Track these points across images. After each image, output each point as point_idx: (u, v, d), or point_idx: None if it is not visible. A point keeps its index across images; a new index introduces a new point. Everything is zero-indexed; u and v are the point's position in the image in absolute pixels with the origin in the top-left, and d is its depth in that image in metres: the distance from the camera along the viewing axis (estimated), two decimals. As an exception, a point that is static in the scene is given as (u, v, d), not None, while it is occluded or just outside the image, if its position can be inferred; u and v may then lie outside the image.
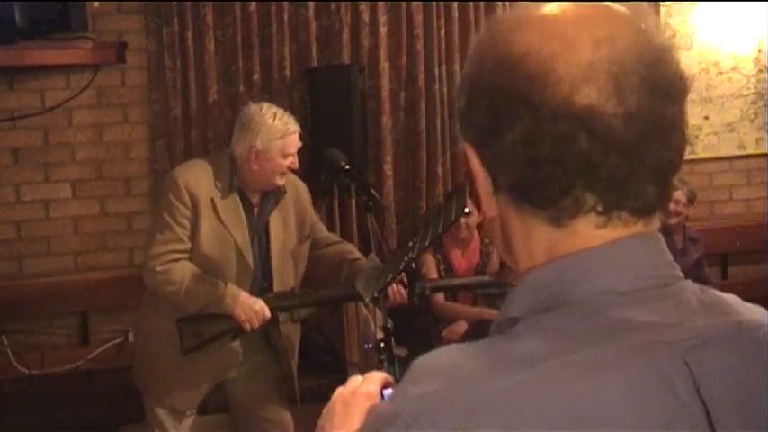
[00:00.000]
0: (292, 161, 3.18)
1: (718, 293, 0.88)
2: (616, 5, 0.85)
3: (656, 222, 0.89)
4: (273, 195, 3.26)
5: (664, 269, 0.85)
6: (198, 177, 3.15)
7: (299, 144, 3.23)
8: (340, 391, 1.13)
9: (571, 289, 0.82)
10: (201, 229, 3.13)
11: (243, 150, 3.14)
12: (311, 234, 3.41)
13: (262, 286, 3.27)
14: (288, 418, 3.49)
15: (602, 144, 0.79)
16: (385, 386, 1.14)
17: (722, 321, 0.82)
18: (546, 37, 0.80)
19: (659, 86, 0.81)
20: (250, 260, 3.22)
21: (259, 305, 3.18)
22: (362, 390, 1.10)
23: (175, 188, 3.12)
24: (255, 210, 3.25)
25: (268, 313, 3.20)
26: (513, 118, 0.80)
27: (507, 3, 4.92)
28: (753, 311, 0.87)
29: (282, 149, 3.13)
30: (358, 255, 3.48)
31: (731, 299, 0.88)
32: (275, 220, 3.27)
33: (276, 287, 3.28)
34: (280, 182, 3.19)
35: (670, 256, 0.87)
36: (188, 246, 3.13)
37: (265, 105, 3.22)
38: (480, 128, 0.84)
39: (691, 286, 0.86)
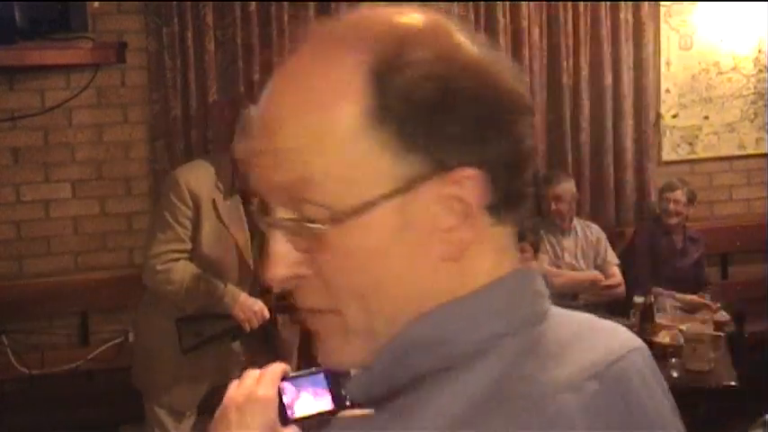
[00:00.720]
0: None
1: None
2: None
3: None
4: None
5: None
6: (199, 178, 3.16)
7: None
8: (233, 394, 1.10)
9: None
10: (203, 229, 3.14)
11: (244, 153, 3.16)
12: None
13: (262, 287, 3.28)
14: None
15: None
16: (283, 378, 1.13)
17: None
18: None
19: None
20: (251, 261, 3.22)
21: (258, 306, 3.19)
22: (259, 394, 1.08)
23: (177, 188, 3.12)
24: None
25: (267, 314, 3.20)
26: None
27: (507, 3, 4.93)
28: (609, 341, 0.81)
29: None
30: None
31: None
32: None
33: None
34: None
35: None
36: (189, 246, 3.14)
37: None
38: None
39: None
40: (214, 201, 3.16)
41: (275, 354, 3.43)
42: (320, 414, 1.13)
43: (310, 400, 1.13)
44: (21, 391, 4.34)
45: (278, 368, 1.13)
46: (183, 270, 3.12)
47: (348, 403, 1.11)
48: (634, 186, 5.25)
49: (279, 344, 3.42)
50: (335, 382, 1.13)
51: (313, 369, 1.15)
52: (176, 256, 3.12)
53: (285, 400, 1.12)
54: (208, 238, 3.16)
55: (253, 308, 3.18)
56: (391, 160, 0.73)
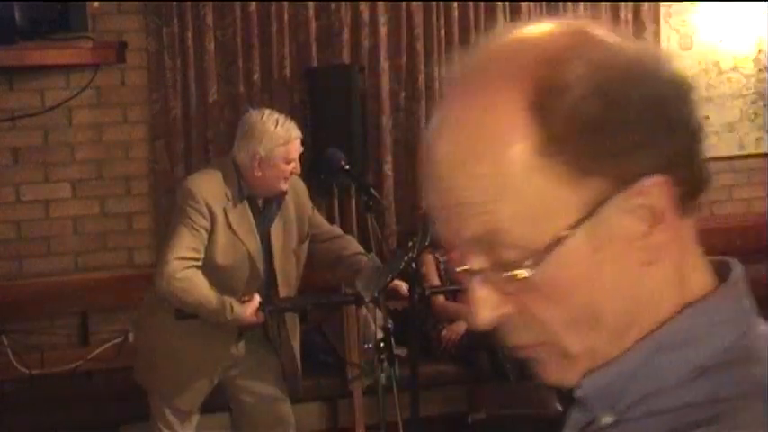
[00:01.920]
0: (295, 166, 3.20)
1: None
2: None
3: None
4: (276, 197, 3.28)
5: None
6: (212, 189, 3.16)
7: (301, 149, 3.25)
8: None
9: None
10: (218, 240, 3.16)
11: (246, 158, 3.16)
12: (311, 229, 3.42)
13: (267, 288, 3.29)
14: (290, 414, 3.50)
15: None
16: None
17: None
18: None
19: None
20: (261, 267, 3.23)
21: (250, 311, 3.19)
22: None
23: (193, 199, 3.12)
24: (262, 214, 3.27)
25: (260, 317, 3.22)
26: None
27: (507, 3, 4.93)
28: None
29: (285, 156, 3.16)
30: (356, 248, 3.49)
31: None
32: (277, 222, 3.29)
33: (281, 288, 3.30)
34: (284, 187, 3.22)
35: None
36: (202, 255, 3.15)
37: (267, 112, 3.24)
38: None
39: None
40: (225, 210, 3.17)
41: (276, 350, 3.45)
42: None
43: None
44: (21, 391, 4.34)
45: None
46: (202, 283, 3.12)
47: None
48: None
49: (279, 341, 3.43)
50: None
51: None
52: (194, 263, 3.13)
53: None
54: (222, 249, 3.17)
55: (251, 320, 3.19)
56: (570, 189, 0.71)
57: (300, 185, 3.44)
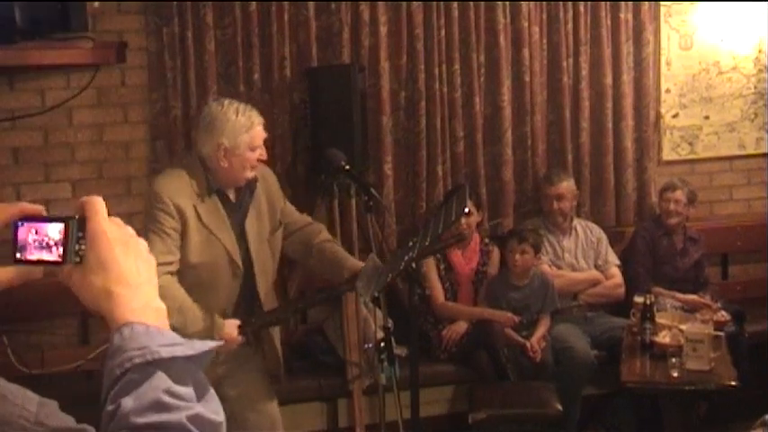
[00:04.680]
0: (261, 153, 3.21)
1: None
2: None
3: None
4: (248, 188, 3.27)
5: None
6: (178, 188, 3.14)
7: (265, 135, 3.25)
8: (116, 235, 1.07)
9: None
10: (191, 239, 3.13)
11: (211, 150, 3.15)
12: (282, 219, 3.42)
13: (246, 281, 3.28)
14: (277, 414, 3.48)
15: None
16: (23, 218, 1.10)
17: None
18: None
19: None
20: (239, 260, 3.22)
21: (233, 335, 3.17)
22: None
23: (160, 201, 3.10)
24: (235, 207, 3.26)
25: (239, 339, 3.20)
26: None
27: (507, 3, 4.93)
28: None
29: (250, 143, 3.16)
30: (326, 236, 3.50)
31: None
32: (251, 214, 3.28)
33: (258, 278, 3.29)
34: (250, 175, 3.21)
35: None
36: (177, 257, 3.13)
37: (226, 102, 3.24)
38: None
39: None
40: (195, 207, 3.14)
41: (262, 354, 3.44)
42: (44, 262, 1.09)
43: (41, 246, 1.09)
44: (21, 391, 4.34)
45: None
46: (177, 291, 3.08)
47: (77, 259, 1.06)
48: (634, 186, 5.25)
49: (263, 343, 3.43)
50: (71, 236, 1.07)
51: (56, 215, 1.10)
52: (170, 268, 3.10)
53: (20, 238, 1.09)
54: (196, 247, 3.14)
55: (231, 335, 3.17)
56: None
57: (269, 174, 3.43)
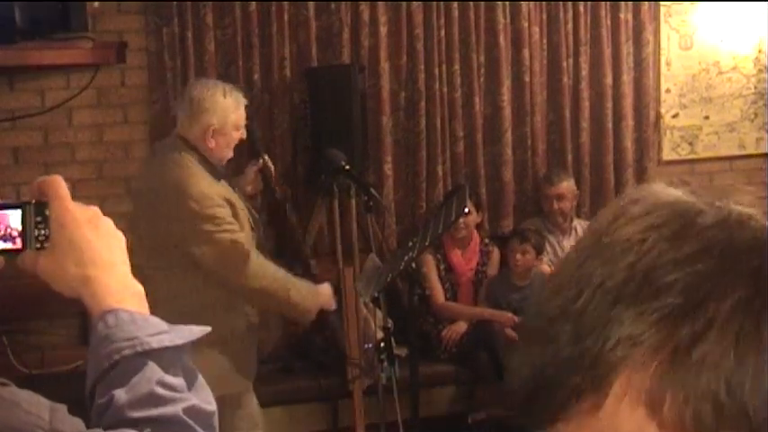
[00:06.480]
0: (242, 132, 3.26)
1: None
2: None
3: None
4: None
5: None
6: (209, 181, 3.16)
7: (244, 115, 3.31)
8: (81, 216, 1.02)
9: None
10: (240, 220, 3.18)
11: (199, 131, 3.17)
12: None
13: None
14: (257, 409, 3.46)
15: None
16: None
17: None
18: None
19: None
20: (260, 232, 3.31)
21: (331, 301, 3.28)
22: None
23: (208, 198, 3.10)
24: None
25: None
26: None
27: (507, 3, 4.93)
28: None
29: (236, 123, 3.21)
30: None
31: None
32: None
33: None
34: (230, 154, 3.26)
35: None
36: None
37: (210, 83, 3.30)
38: None
39: None
40: (220, 194, 3.16)
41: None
42: (4, 251, 1.06)
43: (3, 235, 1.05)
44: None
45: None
46: (275, 267, 3.17)
47: (38, 245, 1.03)
48: (634, 186, 5.24)
49: (263, 335, 3.44)
50: (28, 221, 1.05)
51: (9, 201, 1.09)
52: (254, 252, 3.15)
53: None
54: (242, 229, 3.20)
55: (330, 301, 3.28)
56: None
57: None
